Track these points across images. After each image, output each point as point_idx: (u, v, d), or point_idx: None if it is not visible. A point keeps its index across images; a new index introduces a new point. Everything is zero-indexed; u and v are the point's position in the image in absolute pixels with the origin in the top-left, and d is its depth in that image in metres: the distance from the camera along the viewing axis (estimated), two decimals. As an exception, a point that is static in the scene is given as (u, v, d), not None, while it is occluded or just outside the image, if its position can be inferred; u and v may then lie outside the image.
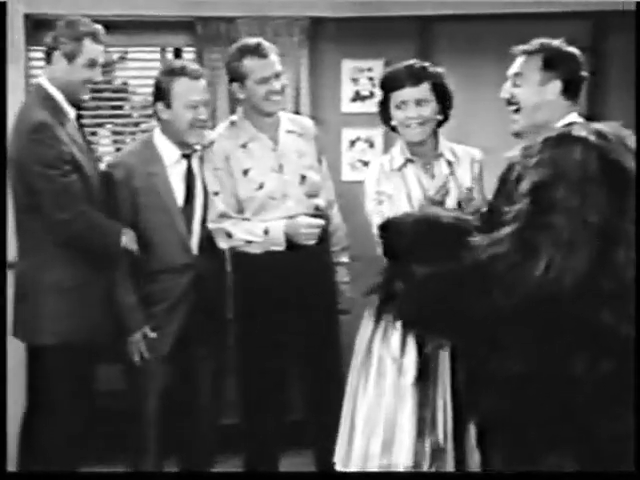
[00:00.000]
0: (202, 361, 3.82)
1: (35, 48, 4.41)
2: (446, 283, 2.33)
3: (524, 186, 2.23)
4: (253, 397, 3.90)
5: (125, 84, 4.95)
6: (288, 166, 3.82)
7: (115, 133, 4.88)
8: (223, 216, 3.75)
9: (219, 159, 3.76)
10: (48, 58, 3.54)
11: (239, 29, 4.57)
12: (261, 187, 3.78)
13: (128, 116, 4.95)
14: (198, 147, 3.73)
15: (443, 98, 3.52)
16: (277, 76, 3.75)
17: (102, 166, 3.75)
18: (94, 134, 4.77)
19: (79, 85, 3.53)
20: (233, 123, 3.86)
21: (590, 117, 2.81)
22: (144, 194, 3.64)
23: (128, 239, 3.56)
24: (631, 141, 2.25)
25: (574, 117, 2.79)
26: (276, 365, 3.85)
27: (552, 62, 2.83)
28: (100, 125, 4.85)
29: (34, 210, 3.46)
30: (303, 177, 3.84)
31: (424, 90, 3.46)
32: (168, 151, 3.68)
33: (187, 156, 3.71)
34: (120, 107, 4.92)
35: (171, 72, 3.63)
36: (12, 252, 3.64)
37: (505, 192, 2.65)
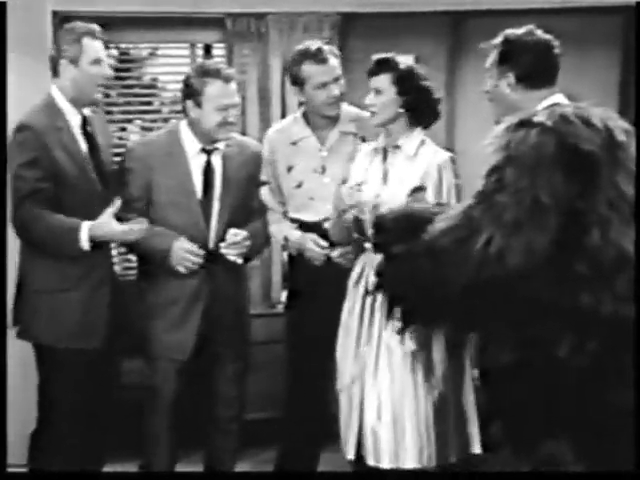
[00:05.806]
0: (223, 359, 3.76)
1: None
2: (414, 259, 2.41)
3: (483, 171, 2.29)
4: (300, 390, 3.85)
5: (155, 80, 4.97)
6: (331, 168, 3.76)
7: (144, 129, 4.88)
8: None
9: (267, 151, 3.83)
10: (55, 71, 3.53)
11: (269, 25, 4.58)
12: (299, 186, 3.78)
13: (157, 112, 4.97)
14: (221, 145, 3.68)
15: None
16: (336, 80, 3.72)
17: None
18: (123, 129, 4.79)
19: (89, 84, 3.51)
20: (295, 119, 3.87)
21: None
22: (160, 173, 3.59)
23: (133, 227, 3.42)
24: (598, 119, 2.24)
25: (557, 98, 2.78)
26: (324, 359, 3.82)
27: (506, 56, 2.84)
28: (129, 121, 4.87)
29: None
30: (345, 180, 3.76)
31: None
32: (190, 143, 3.65)
33: (208, 152, 3.67)
34: (149, 103, 4.94)
35: (205, 73, 3.58)
36: (12, 251, 3.61)
37: None
